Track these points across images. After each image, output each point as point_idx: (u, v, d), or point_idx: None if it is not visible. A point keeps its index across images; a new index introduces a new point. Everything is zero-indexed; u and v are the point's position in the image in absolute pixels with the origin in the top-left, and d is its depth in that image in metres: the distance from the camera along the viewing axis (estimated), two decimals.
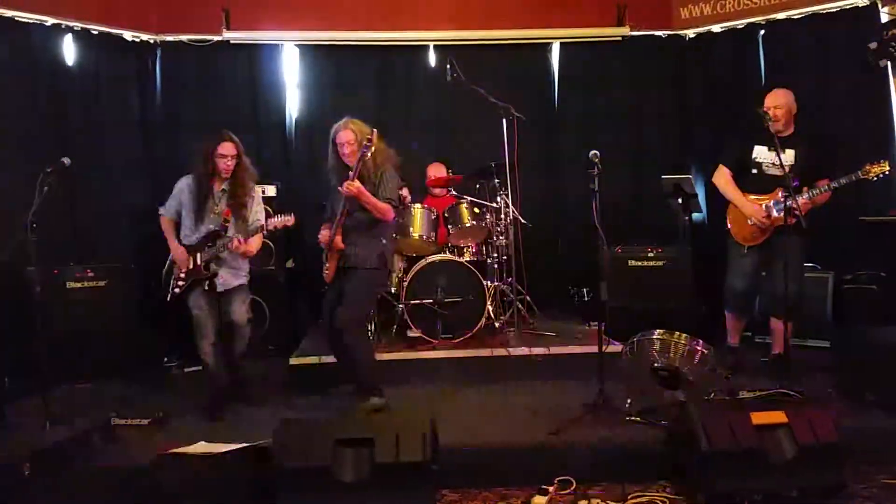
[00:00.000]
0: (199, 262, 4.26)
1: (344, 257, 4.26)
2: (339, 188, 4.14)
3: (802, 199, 4.34)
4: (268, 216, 4.43)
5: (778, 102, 4.54)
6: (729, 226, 4.71)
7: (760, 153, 4.61)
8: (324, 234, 4.38)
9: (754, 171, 4.62)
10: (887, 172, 4.14)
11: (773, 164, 4.52)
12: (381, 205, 4.22)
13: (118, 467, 3.38)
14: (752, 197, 4.58)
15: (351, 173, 4.11)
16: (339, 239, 4.21)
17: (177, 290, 4.28)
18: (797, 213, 4.19)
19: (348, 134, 4.23)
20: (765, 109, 4.51)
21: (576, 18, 6.68)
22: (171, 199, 4.43)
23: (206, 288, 4.26)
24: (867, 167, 4.19)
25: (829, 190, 4.32)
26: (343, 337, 4.18)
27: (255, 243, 4.37)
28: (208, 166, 4.31)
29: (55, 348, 4.90)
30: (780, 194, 4.43)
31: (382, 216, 4.26)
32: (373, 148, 4.13)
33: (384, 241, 4.36)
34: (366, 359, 4.29)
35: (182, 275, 4.28)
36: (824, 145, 4.61)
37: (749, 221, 4.56)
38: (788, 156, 4.51)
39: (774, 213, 4.45)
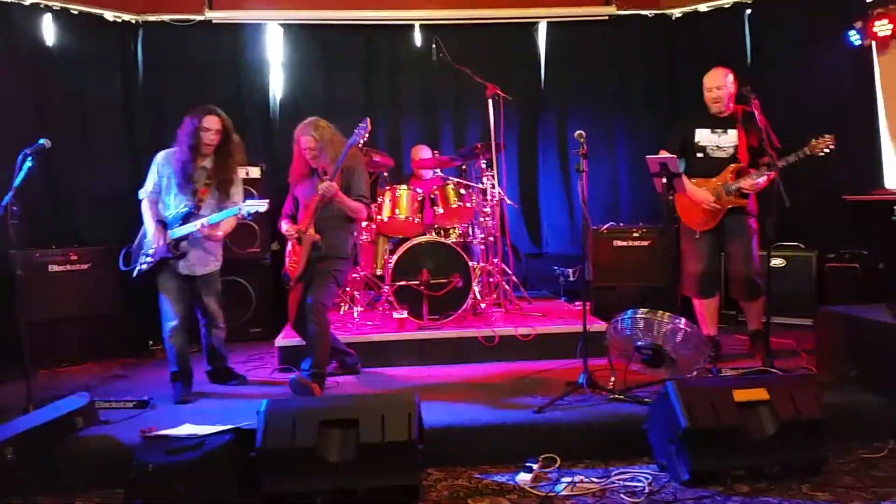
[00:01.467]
0: (169, 240, 4.09)
1: (316, 248, 4.23)
2: (314, 184, 4.20)
3: (751, 182, 4.37)
4: (248, 197, 4.35)
5: (718, 83, 4.51)
6: (678, 213, 4.66)
7: (703, 136, 4.60)
8: (290, 227, 4.31)
9: (699, 154, 4.60)
10: (832, 147, 4.16)
11: (718, 146, 4.55)
12: (355, 204, 4.27)
13: (103, 450, 3.38)
14: (697, 180, 4.54)
15: (328, 174, 4.16)
16: (312, 231, 4.20)
17: (143, 266, 4.13)
18: (747, 192, 4.31)
19: (310, 140, 4.21)
20: (725, 86, 4.50)
21: None
22: (152, 177, 4.23)
23: (173, 265, 4.13)
24: (813, 142, 4.19)
25: (774, 169, 4.20)
26: (312, 317, 4.13)
27: (224, 226, 4.18)
28: (193, 140, 4.12)
29: (38, 332, 4.91)
30: (728, 176, 4.46)
31: (356, 215, 4.34)
32: (365, 133, 4.19)
33: (355, 234, 4.48)
34: (326, 343, 4.23)
35: (151, 252, 4.12)
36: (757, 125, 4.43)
37: (704, 205, 4.50)
38: (731, 136, 4.52)
39: (724, 196, 4.44)
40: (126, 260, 4.28)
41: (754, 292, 4.52)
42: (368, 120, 4.26)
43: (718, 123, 4.56)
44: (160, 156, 4.27)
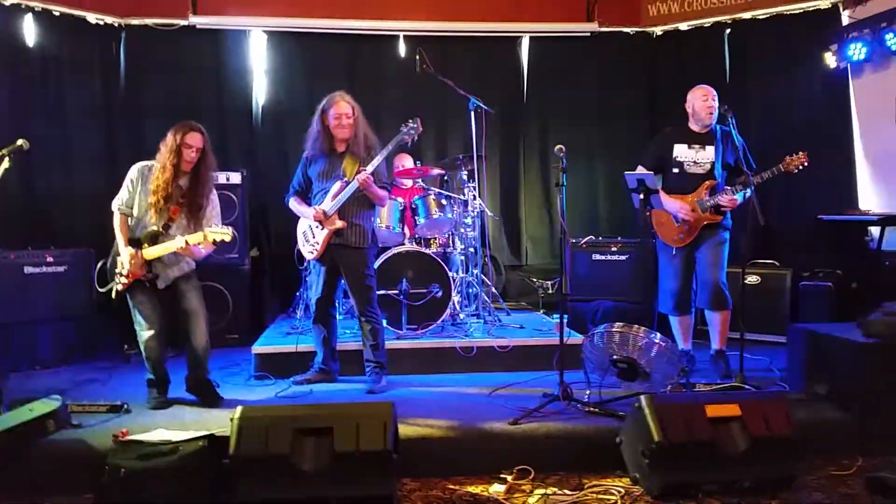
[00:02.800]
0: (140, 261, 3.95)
1: (342, 236, 4.30)
2: (334, 165, 4.29)
3: (728, 197, 4.41)
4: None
5: (714, 94, 4.55)
6: (654, 229, 4.70)
7: (681, 152, 4.63)
8: (311, 210, 4.35)
9: (675, 170, 4.64)
10: (806, 164, 4.24)
11: (695, 162, 4.59)
12: (382, 192, 4.40)
13: (75, 454, 3.34)
14: (673, 196, 4.58)
15: (358, 161, 4.25)
16: (336, 218, 4.28)
17: (119, 286, 3.99)
18: (725, 208, 4.35)
19: (346, 107, 4.28)
20: (703, 100, 4.55)
21: (546, 13, 6.72)
22: (126, 189, 4.06)
23: (148, 285, 4.02)
24: (787, 160, 4.26)
25: (748, 186, 4.28)
26: (369, 319, 4.40)
27: (200, 251, 4.02)
28: (174, 157, 3.97)
29: (12, 333, 4.86)
30: (704, 193, 4.51)
31: (381, 203, 4.50)
32: (416, 134, 4.36)
33: (373, 219, 4.58)
34: (383, 339, 4.51)
35: (125, 272, 3.96)
36: (734, 144, 4.49)
37: (679, 216, 4.54)
38: (709, 153, 4.57)
39: (699, 212, 4.49)
40: (101, 279, 4.13)
41: (721, 299, 4.53)
42: (419, 121, 4.34)
43: (696, 139, 4.60)
44: (136, 170, 4.09)
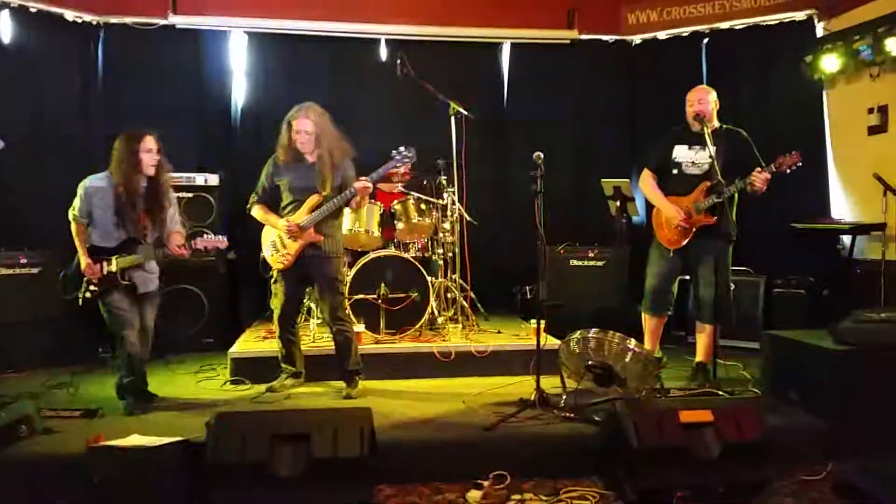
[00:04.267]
0: (114, 269, 3.99)
1: (317, 246, 4.31)
2: (303, 174, 4.30)
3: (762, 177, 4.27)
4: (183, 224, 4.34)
5: (700, 96, 4.55)
6: (654, 228, 4.72)
7: (680, 153, 4.62)
8: (283, 222, 4.31)
9: (674, 171, 4.63)
10: (800, 164, 4.20)
11: (693, 163, 4.58)
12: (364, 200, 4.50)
13: (48, 459, 3.30)
14: (673, 197, 4.58)
15: (372, 175, 4.29)
16: (312, 231, 4.27)
17: (88, 294, 4.01)
18: (719, 212, 4.28)
19: (307, 123, 4.26)
20: (689, 103, 4.56)
21: (527, 20, 6.76)
22: (82, 202, 4.05)
23: (124, 293, 4.06)
24: (780, 160, 4.21)
25: (743, 186, 4.29)
26: (342, 327, 4.40)
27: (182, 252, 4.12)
28: (135, 164, 3.99)
29: None
30: (700, 194, 4.47)
31: (356, 206, 4.57)
32: (407, 165, 4.47)
33: (342, 230, 4.62)
34: (356, 345, 4.52)
35: (95, 281, 4.00)
36: (741, 141, 4.52)
37: (672, 224, 4.54)
38: (707, 153, 4.44)
39: (696, 214, 4.46)
40: (65, 286, 4.13)
41: (714, 315, 4.50)
42: (415, 151, 4.36)
43: (696, 140, 4.54)
44: (89, 184, 4.08)
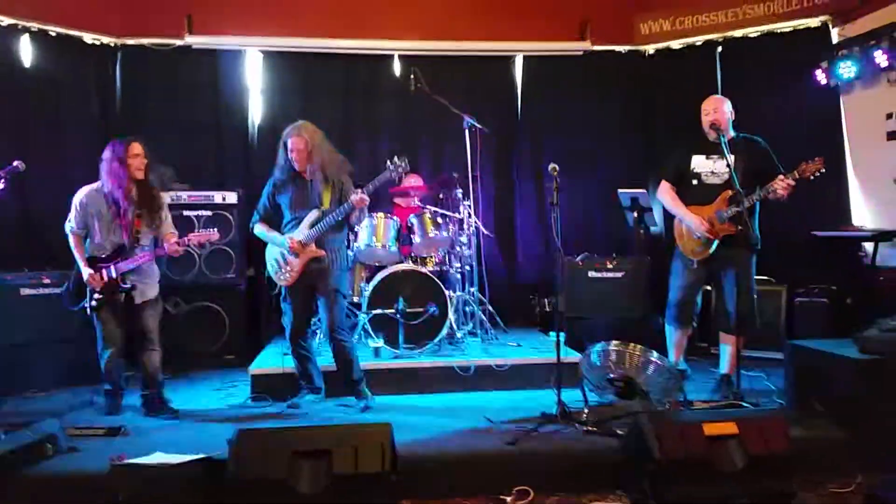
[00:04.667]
0: (114, 275, 4.20)
1: (320, 261, 4.32)
2: (302, 193, 4.31)
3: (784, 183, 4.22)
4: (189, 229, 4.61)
5: (716, 106, 4.55)
6: (676, 239, 4.69)
7: (698, 163, 4.61)
8: (287, 240, 4.34)
9: (694, 181, 4.62)
10: (823, 171, 4.14)
11: (713, 172, 4.56)
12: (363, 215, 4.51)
13: (72, 478, 3.31)
14: (694, 207, 4.56)
15: (367, 188, 4.29)
16: (314, 247, 4.30)
17: (94, 303, 4.22)
18: (741, 222, 4.22)
19: (299, 142, 4.30)
20: (704, 112, 4.55)
21: (539, 32, 6.76)
22: (76, 213, 4.29)
23: (123, 300, 4.24)
24: (803, 166, 4.15)
25: (765, 194, 4.27)
26: (341, 339, 4.38)
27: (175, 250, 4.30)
28: (122, 171, 4.19)
29: (8, 355, 4.84)
30: (722, 203, 4.42)
31: (357, 222, 4.61)
32: (403, 173, 4.41)
33: (346, 241, 4.63)
34: (356, 357, 4.49)
35: (98, 290, 4.21)
36: (760, 150, 4.52)
37: (695, 235, 4.53)
38: (726, 163, 4.40)
39: (718, 223, 4.43)
40: (69, 298, 4.46)
41: (740, 328, 4.46)
42: (406, 161, 4.36)
43: (714, 149, 4.53)
44: (83, 195, 4.30)
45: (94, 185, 4.30)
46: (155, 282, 4.42)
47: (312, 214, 4.33)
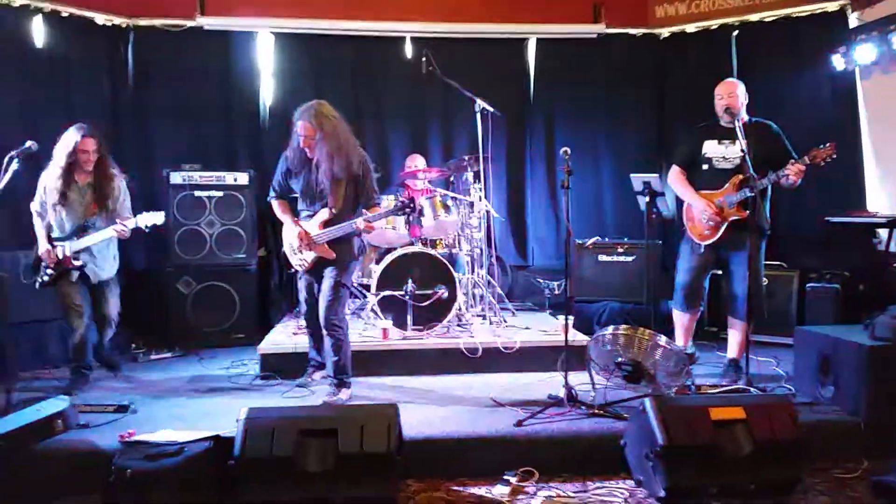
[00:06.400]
0: (67, 253, 4.35)
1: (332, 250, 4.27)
2: (314, 179, 4.21)
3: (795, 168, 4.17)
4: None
5: (730, 90, 4.49)
6: (685, 223, 4.67)
7: (710, 148, 4.57)
8: (299, 234, 4.25)
9: (705, 166, 4.58)
10: (834, 156, 4.10)
11: (724, 157, 4.52)
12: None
13: (82, 454, 3.36)
14: (705, 192, 4.53)
15: (372, 217, 4.22)
16: (326, 247, 4.23)
17: (45, 278, 4.39)
18: (751, 207, 4.20)
19: (307, 127, 4.10)
20: (718, 96, 4.51)
21: (552, 15, 6.71)
22: (39, 195, 4.45)
23: (76, 279, 4.41)
24: (814, 152, 4.11)
25: (776, 179, 4.23)
26: (331, 327, 4.21)
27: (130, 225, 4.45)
28: (71, 159, 4.35)
29: (21, 333, 4.89)
30: (732, 188, 4.39)
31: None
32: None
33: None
34: (347, 351, 4.32)
35: (51, 267, 4.37)
36: (772, 135, 4.48)
37: (703, 218, 4.49)
38: (738, 147, 4.36)
39: (727, 208, 4.40)
40: (25, 272, 4.65)
41: (747, 311, 4.43)
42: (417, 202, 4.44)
43: (726, 134, 4.49)
44: (44, 179, 4.45)
45: (50, 167, 4.43)
46: (110, 263, 4.58)
47: (324, 213, 4.21)
